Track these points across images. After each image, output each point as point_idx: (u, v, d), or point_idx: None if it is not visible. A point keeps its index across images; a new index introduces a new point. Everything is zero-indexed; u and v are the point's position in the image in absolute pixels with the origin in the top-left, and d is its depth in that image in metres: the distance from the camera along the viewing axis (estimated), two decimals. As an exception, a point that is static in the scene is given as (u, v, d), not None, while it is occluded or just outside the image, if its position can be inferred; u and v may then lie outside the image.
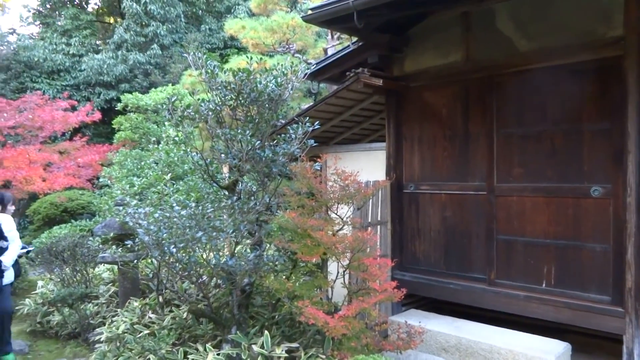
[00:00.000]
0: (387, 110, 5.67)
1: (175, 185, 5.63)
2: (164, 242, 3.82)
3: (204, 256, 4.17)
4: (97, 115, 10.51)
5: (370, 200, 5.27)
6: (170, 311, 5.16)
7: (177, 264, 3.92)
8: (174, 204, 4.04)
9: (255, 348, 3.93)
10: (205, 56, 4.23)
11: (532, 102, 4.57)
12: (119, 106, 8.37)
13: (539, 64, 4.46)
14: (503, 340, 4.33)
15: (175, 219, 3.89)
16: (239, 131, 3.96)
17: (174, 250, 3.80)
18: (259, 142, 4.01)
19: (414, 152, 5.49)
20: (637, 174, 3.93)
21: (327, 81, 6.22)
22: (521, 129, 4.64)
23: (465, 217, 5.06)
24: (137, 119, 8.43)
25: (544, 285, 4.49)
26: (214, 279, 4.52)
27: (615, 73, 4.06)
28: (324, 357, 3.77)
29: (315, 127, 4.24)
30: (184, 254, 3.90)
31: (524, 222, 4.61)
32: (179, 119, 4.29)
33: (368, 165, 5.77)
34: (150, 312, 5.34)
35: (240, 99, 4.25)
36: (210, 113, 4.27)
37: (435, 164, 5.30)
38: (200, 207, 4.09)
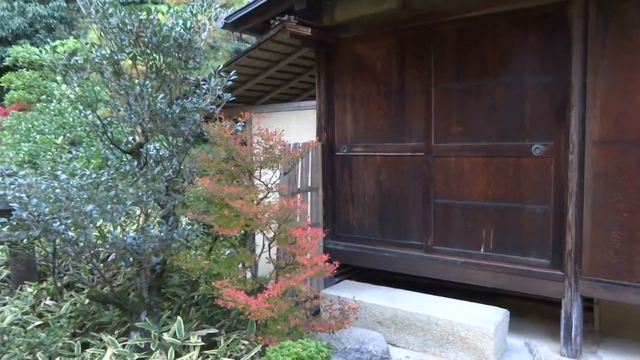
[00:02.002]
0: (317, 65, 5.13)
1: (75, 152, 4.84)
2: (47, 218, 3.11)
3: (110, 233, 3.50)
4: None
5: (300, 165, 4.77)
6: (71, 296, 4.46)
7: (66, 244, 3.24)
8: (60, 172, 3.31)
9: (167, 337, 3.38)
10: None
11: (472, 54, 4.20)
12: (7, 61, 7.20)
13: (480, 11, 4.07)
14: (441, 310, 4.06)
15: (59, 190, 3.18)
16: (136, 82, 3.27)
17: (62, 227, 3.12)
18: (162, 95, 3.34)
19: (346, 111, 5.02)
20: (580, 130, 3.69)
21: (250, 32, 5.56)
22: (460, 83, 4.28)
23: (401, 181, 4.71)
24: (31, 76, 7.29)
25: (482, 250, 4.25)
26: (118, 259, 3.87)
27: (559, 22, 3.75)
28: (246, 342, 3.29)
29: (232, 77, 3.63)
30: (76, 233, 3.22)
31: (463, 184, 4.32)
32: (64, 69, 3.51)
33: (297, 127, 5.25)
34: (48, 298, 4.61)
35: (141, 44, 3.54)
36: (104, 62, 3.52)
37: (369, 124, 4.87)
38: (94, 176, 3.40)
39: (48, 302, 4.49)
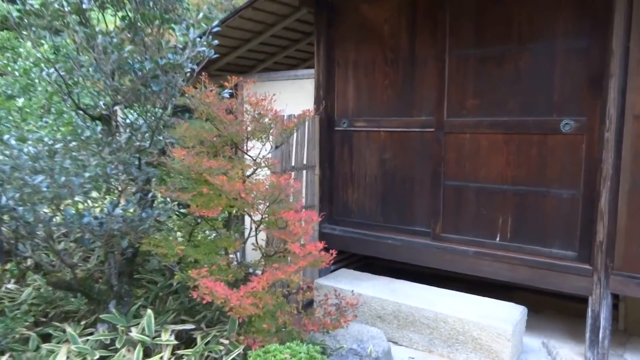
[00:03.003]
0: (316, 28, 4.58)
1: (43, 119, 4.32)
2: (-9, 191, 2.61)
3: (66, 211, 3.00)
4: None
5: (294, 139, 4.26)
6: (34, 280, 3.97)
7: (17, 222, 2.74)
8: (8, 137, 2.79)
9: (135, 333, 2.90)
10: None
11: (493, 15, 3.66)
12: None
13: (506, -36, 3.53)
14: (449, 306, 3.60)
15: (7, 159, 2.68)
16: (97, 30, 2.73)
17: (10, 203, 2.62)
18: (130, 48, 2.81)
19: (348, 81, 4.49)
20: (619, 103, 3.18)
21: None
22: (479, 49, 3.75)
23: (408, 160, 4.20)
24: (4, 37, 6.68)
25: (497, 239, 3.77)
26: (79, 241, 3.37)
27: (600, -24, 3.22)
28: (226, 342, 2.82)
29: (215, 28, 3.10)
30: (25, 209, 2.71)
31: (478, 164, 3.82)
32: (18, 16, 2.98)
33: (293, 98, 4.72)
34: (12, 281, 4.13)
35: (109, -11, 2.99)
36: (66, 8, 2.98)
37: (373, 95, 4.34)
38: (50, 142, 2.89)
39: (10, 285, 4.02)
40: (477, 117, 3.79)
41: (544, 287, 3.57)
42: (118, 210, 2.66)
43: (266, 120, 3.03)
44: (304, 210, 4.24)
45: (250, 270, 3.33)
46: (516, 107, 3.61)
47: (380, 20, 4.24)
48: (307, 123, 4.39)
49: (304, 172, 4.45)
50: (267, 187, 2.89)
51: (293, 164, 4.29)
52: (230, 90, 3.38)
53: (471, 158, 3.84)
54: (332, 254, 3.01)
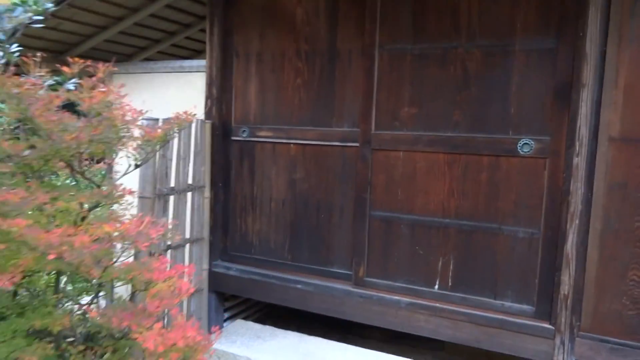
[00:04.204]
0: (209, 7, 3.52)
1: None
2: None
3: None
4: None
5: (174, 152, 3.16)
6: None
7: None
8: None
9: None
10: None
11: (437, 2, 2.87)
12: None
13: (454, -63, 2.75)
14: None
15: None
16: None
17: None
18: None
19: (250, 77, 3.48)
20: (592, 120, 2.51)
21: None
22: (418, 45, 2.94)
23: (325, 182, 3.28)
24: None
25: (436, 287, 2.97)
26: None
27: (570, -41, 2.54)
28: None
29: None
30: None
31: (414, 191, 3.00)
32: None
33: (181, 96, 3.63)
34: None
35: None
36: None
37: (282, 97, 3.38)
38: None
39: None
40: (413, 131, 2.97)
41: (494, 350, 2.82)
42: None
43: (105, 125, 1.91)
44: (191, 244, 3.17)
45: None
46: (463, 120, 2.84)
47: (292, 2, 3.29)
48: (193, 131, 3.31)
49: (189, 194, 3.36)
50: (111, 233, 1.77)
51: (172, 184, 3.18)
52: (76, 82, 2.22)
53: (405, 183, 3.01)
54: (215, 334, 1.97)
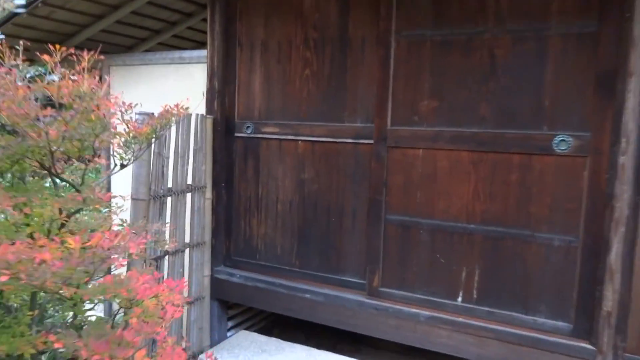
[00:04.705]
0: (210, -8, 3.25)
1: None
2: None
3: None
4: None
5: (172, 149, 2.90)
6: None
7: None
8: None
9: None
10: None
11: (462, -18, 2.57)
12: None
13: None
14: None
15: None
16: None
17: None
18: None
19: (254, 68, 3.21)
20: (642, 114, 2.20)
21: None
22: (440, 30, 2.64)
23: (336, 182, 3.00)
24: None
25: (460, 299, 2.68)
26: None
27: None
28: None
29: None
30: None
31: (435, 193, 2.70)
32: None
33: (181, 89, 3.37)
34: None
35: None
36: None
37: (289, 90, 3.10)
38: None
39: None
40: (434, 127, 2.67)
41: (524, 371, 2.54)
42: None
43: (93, 119, 1.65)
44: (192, 248, 2.91)
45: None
46: (490, 114, 2.54)
47: (300, -15, 3.01)
48: (192, 126, 3.05)
49: (188, 195, 3.10)
50: (76, 249, 1.50)
51: (170, 185, 2.92)
52: (55, 74, 1.95)
53: (425, 184, 2.72)
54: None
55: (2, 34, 3.17)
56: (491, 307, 2.59)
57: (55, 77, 2.01)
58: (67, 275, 1.34)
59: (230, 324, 3.56)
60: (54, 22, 3.54)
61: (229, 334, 3.49)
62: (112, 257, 1.46)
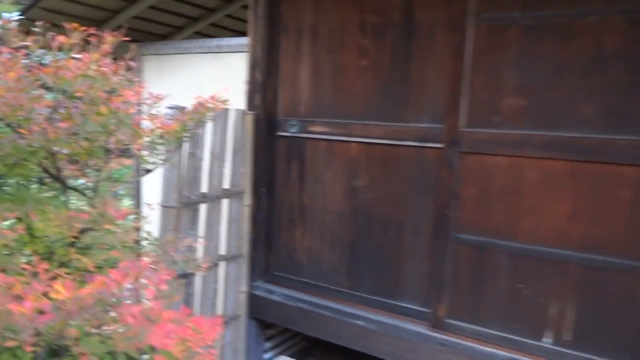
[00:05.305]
0: (253, -29, 2.86)
1: None
2: None
3: None
4: None
5: (205, 149, 2.53)
6: None
7: None
8: None
9: None
10: None
11: (563, -48, 2.09)
12: None
13: None
14: None
15: None
16: None
17: None
18: None
19: (301, 58, 2.80)
20: None
21: None
22: (531, 12, 2.16)
23: (395, 192, 2.57)
24: None
25: (550, 340, 2.20)
26: None
27: None
28: None
29: None
30: None
31: (519, 210, 2.23)
32: None
33: (218, 80, 2.98)
34: None
35: None
36: None
37: (341, 84, 2.68)
38: None
39: None
40: (521, 130, 2.20)
41: None
42: None
43: (104, 113, 1.28)
44: (225, 262, 2.55)
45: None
46: (595, 115, 2.05)
47: (358, -40, 2.58)
48: (230, 124, 2.67)
49: (225, 202, 2.72)
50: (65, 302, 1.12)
51: (205, 190, 2.56)
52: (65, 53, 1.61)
53: (507, 199, 2.26)
54: None
55: (24, 16, 2.88)
56: (590, 354, 2.11)
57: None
58: (58, 327, 0.97)
59: (268, 344, 3.19)
60: (83, 6, 3.24)
61: (266, 355, 3.12)
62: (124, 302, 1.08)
